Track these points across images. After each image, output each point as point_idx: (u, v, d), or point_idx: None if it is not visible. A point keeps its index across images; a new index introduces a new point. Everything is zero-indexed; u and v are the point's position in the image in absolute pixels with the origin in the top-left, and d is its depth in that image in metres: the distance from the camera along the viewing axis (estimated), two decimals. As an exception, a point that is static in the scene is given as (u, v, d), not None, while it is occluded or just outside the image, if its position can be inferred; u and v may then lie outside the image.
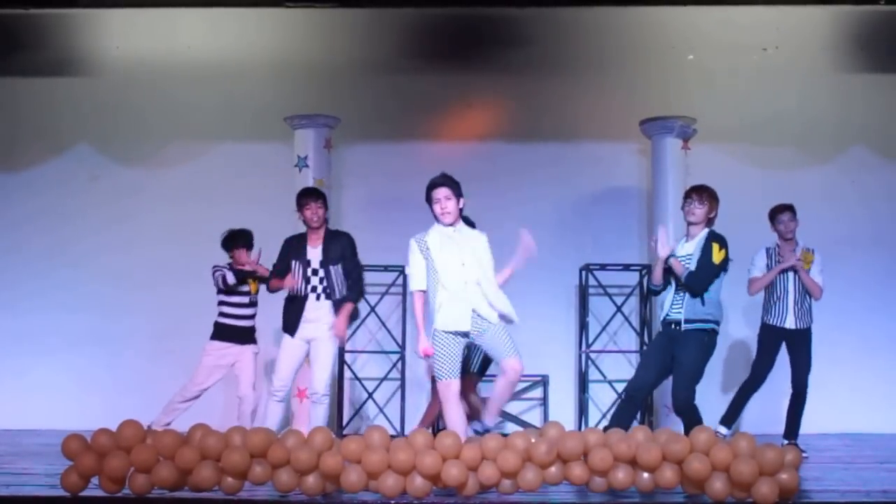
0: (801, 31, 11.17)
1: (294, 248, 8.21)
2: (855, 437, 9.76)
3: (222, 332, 8.96)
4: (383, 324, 10.85)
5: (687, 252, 7.47)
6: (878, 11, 10.68)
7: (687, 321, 7.23)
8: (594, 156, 11.14)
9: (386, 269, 10.62)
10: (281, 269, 8.19)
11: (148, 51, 11.29)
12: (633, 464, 5.76)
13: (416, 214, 10.93)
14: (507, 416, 10.58)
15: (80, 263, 11.00)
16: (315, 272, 8.11)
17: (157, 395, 9.65)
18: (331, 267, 8.09)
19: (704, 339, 7.22)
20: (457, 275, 6.76)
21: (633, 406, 7.49)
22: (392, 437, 5.98)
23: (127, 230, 11.06)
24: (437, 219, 6.89)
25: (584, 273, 10.68)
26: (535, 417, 10.73)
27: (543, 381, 10.69)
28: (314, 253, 8.14)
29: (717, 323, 7.32)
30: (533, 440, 5.82)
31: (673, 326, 7.33)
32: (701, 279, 7.25)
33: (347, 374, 10.75)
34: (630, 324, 10.78)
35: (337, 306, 8.03)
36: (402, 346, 10.69)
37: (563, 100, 11.11)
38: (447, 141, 11.34)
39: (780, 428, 8.68)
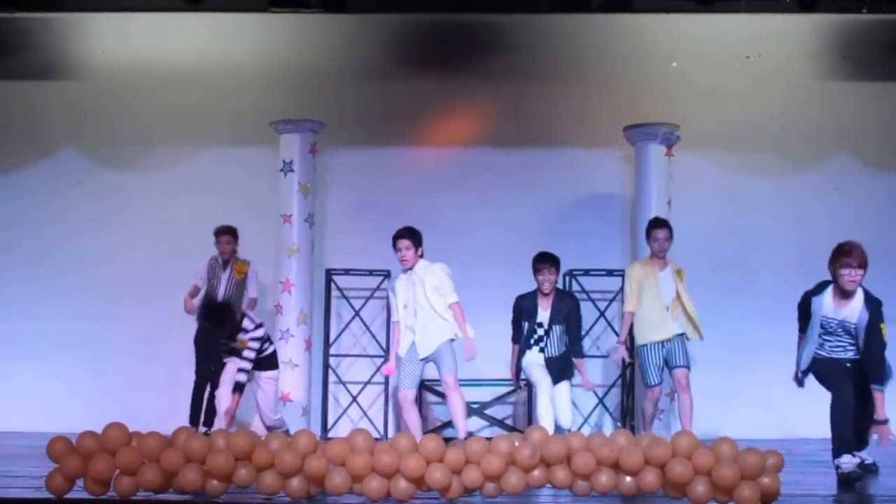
0: (784, 39, 11.26)
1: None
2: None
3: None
4: (367, 328, 10.87)
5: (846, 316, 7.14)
6: (861, 20, 10.78)
7: None
8: (578, 162, 11.18)
9: (371, 273, 10.64)
10: None
11: (134, 55, 11.30)
12: (616, 467, 5.79)
13: (401, 219, 11.01)
14: (493, 421, 10.62)
15: (66, 267, 10.99)
16: None
17: (142, 398, 9.68)
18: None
19: None
20: (409, 312, 8.18)
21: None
22: (376, 440, 6.00)
23: (112, 234, 11.06)
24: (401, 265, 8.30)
25: (567, 278, 10.71)
26: (519, 421, 10.76)
27: (528, 386, 10.70)
28: None
29: None
30: (516, 444, 5.85)
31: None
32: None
33: (332, 377, 10.76)
34: (613, 329, 10.80)
35: None
36: (387, 350, 10.71)
37: (547, 106, 11.16)
38: (432, 146, 11.38)
39: (774, 433, 8.77)
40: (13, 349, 10.84)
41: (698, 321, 8.62)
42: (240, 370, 8.55)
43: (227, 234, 9.84)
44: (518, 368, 8.76)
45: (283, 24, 11.17)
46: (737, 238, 11.01)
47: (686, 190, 10.66)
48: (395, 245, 8.27)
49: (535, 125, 11.20)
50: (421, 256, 8.32)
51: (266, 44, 11.30)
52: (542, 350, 8.64)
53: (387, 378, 10.57)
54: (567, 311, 8.65)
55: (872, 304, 6.98)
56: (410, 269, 8.23)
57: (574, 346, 8.73)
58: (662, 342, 8.55)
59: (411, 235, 8.28)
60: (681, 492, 5.73)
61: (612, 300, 10.84)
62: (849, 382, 7.01)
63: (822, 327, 7.16)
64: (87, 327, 10.87)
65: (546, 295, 8.62)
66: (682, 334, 8.62)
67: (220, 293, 9.73)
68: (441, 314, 8.15)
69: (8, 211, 11.19)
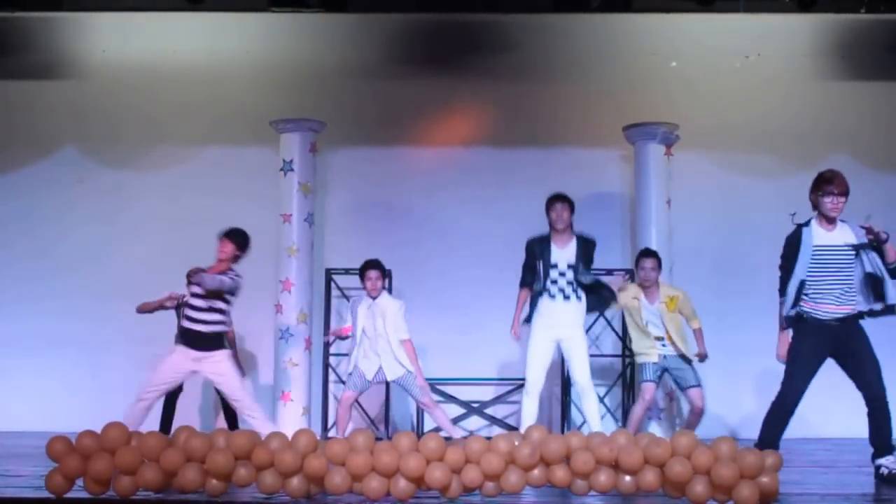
0: (783, 38, 11.28)
1: None
2: (835, 442, 9.81)
3: None
4: (367, 328, 10.88)
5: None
6: (860, 20, 10.80)
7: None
8: (578, 161, 11.19)
9: (370, 272, 10.66)
10: None
11: (134, 54, 11.32)
12: (615, 467, 5.80)
13: (400, 218, 11.08)
14: (492, 420, 10.63)
15: (65, 266, 11.01)
16: None
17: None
18: None
19: None
20: (370, 339, 8.52)
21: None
22: (376, 439, 6.01)
23: (113, 233, 11.09)
24: (367, 292, 8.58)
25: (567, 278, 10.71)
26: (518, 421, 10.76)
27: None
28: None
29: None
30: (516, 443, 5.86)
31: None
32: None
33: (332, 376, 10.76)
34: (612, 328, 10.83)
35: None
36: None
37: (546, 106, 11.18)
38: (432, 146, 11.39)
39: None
40: (13, 348, 10.87)
41: (685, 350, 8.66)
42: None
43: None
44: (523, 319, 8.37)
45: (284, 24, 11.19)
46: (735, 237, 11.03)
47: (685, 189, 10.68)
48: (364, 274, 8.60)
49: (535, 125, 11.21)
50: (385, 288, 8.72)
51: (266, 43, 11.31)
52: (553, 297, 8.20)
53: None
54: (587, 255, 8.29)
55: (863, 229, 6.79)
56: (375, 298, 8.56)
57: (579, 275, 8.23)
58: (654, 362, 8.71)
59: (381, 266, 8.67)
60: (680, 491, 5.74)
61: (611, 300, 10.86)
62: (807, 379, 6.81)
63: (814, 262, 6.86)
64: (86, 326, 10.88)
65: (560, 232, 8.29)
66: (681, 355, 8.68)
67: None
68: (403, 344, 8.56)
69: (8, 210, 11.20)
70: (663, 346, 8.68)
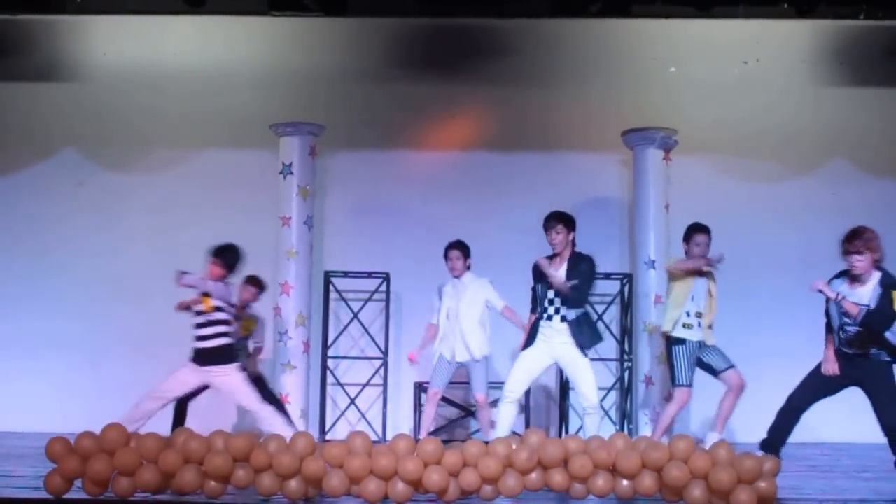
0: (781, 44, 11.29)
1: None
2: (833, 447, 9.83)
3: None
4: (366, 330, 10.89)
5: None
6: (858, 26, 10.81)
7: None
8: (576, 166, 11.21)
9: (370, 275, 10.68)
10: None
11: (135, 57, 11.32)
12: (613, 471, 5.82)
13: (399, 222, 11.09)
14: (491, 423, 10.61)
15: (65, 268, 11.01)
16: None
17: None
18: None
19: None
20: (449, 320, 8.89)
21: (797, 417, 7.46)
22: (374, 442, 6.03)
23: (112, 236, 11.08)
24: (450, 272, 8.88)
25: (565, 281, 10.73)
26: (516, 424, 10.76)
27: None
28: None
29: None
30: (514, 447, 5.87)
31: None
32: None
33: (330, 379, 10.78)
34: (611, 332, 10.84)
35: None
36: (385, 353, 10.73)
37: (546, 110, 11.19)
38: (431, 150, 11.40)
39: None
40: (12, 350, 10.85)
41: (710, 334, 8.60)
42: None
43: (252, 284, 9.34)
44: (528, 339, 8.20)
45: (283, 28, 11.19)
46: (734, 242, 10.99)
47: (684, 194, 10.67)
48: (446, 255, 8.93)
49: (534, 129, 11.23)
50: (468, 268, 8.94)
51: (266, 47, 11.32)
52: (550, 318, 8.01)
53: (385, 381, 10.61)
54: (581, 274, 8.01)
55: (887, 281, 7.18)
56: (458, 277, 8.88)
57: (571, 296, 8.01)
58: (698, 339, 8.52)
59: (461, 247, 8.95)
60: (678, 495, 5.76)
61: (609, 303, 10.88)
62: (818, 397, 7.44)
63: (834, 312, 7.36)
64: (85, 328, 10.88)
65: (558, 255, 8.12)
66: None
67: None
68: (481, 325, 8.79)
69: (6, 212, 11.19)
70: (699, 326, 8.47)
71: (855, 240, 7.24)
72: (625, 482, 5.82)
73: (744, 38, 11.21)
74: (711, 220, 11.03)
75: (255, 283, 9.33)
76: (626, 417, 10.65)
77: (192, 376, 7.93)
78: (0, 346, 10.89)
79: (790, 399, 7.47)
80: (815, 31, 11.20)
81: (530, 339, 8.15)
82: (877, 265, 7.26)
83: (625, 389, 10.70)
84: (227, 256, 8.05)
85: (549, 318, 8.04)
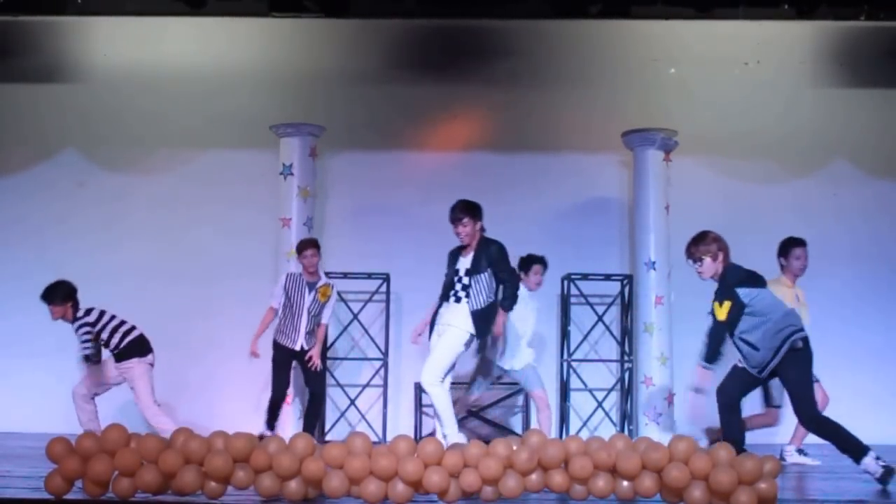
0: (782, 45, 11.30)
1: None
2: (833, 447, 9.81)
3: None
4: (366, 331, 10.89)
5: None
6: (858, 27, 10.83)
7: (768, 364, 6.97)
8: (577, 167, 11.22)
9: (370, 276, 10.69)
10: None
11: (135, 58, 11.34)
12: (613, 472, 5.82)
13: (399, 223, 11.08)
14: (488, 423, 10.62)
15: (66, 268, 10.95)
16: None
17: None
18: None
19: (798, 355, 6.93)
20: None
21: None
22: (374, 443, 6.02)
23: (113, 236, 11.10)
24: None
25: (565, 282, 10.74)
26: (516, 425, 10.77)
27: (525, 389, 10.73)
28: None
29: (792, 333, 6.93)
30: (514, 447, 5.87)
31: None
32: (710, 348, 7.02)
33: (330, 380, 10.77)
34: (611, 333, 10.85)
35: None
36: (385, 353, 10.73)
37: (546, 111, 11.20)
38: (431, 151, 11.41)
39: (767, 439, 8.79)
40: (12, 349, 10.87)
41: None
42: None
43: (311, 246, 9.30)
44: (431, 323, 7.96)
45: (284, 29, 11.21)
46: (734, 244, 10.98)
47: (684, 195, 10.68)
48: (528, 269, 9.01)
49: (534, 130, 11.24)
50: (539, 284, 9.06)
51: (267, 48, 11.34)
52: (448, 300, 7.84)
53: (385, 381, 10.62)
54: (489, 257, 7.81)
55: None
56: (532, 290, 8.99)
57: (504, 294, 7.87)
58: None
59: (541, 262, 9.04)
60: (678, 496, 5.75)
61: (609, 305, 10.87)
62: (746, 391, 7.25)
63: None
64: (86, 328, 10.87)
65: (468, 247, 7.91)
66: None
67: (304, 319, 9.26)
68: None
69: (8, 211, 11.21)
70: None
71: (691, 246, 7.26)
72: (625, 483, 5.81)
73: (744, 39, 11.23)
74: (711, 222, 11.02)
75: (313, 245, 9.30)
76: (626, 418, 10.65)
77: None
78: (0, 344, 10.90)
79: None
80: (815, 32, 11.22)
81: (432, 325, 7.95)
82: (725, 269, 7.21)
83: (625, 390, 10.70)
84: (57, 293, 8.97)
85: (448, 300, 7.86)
